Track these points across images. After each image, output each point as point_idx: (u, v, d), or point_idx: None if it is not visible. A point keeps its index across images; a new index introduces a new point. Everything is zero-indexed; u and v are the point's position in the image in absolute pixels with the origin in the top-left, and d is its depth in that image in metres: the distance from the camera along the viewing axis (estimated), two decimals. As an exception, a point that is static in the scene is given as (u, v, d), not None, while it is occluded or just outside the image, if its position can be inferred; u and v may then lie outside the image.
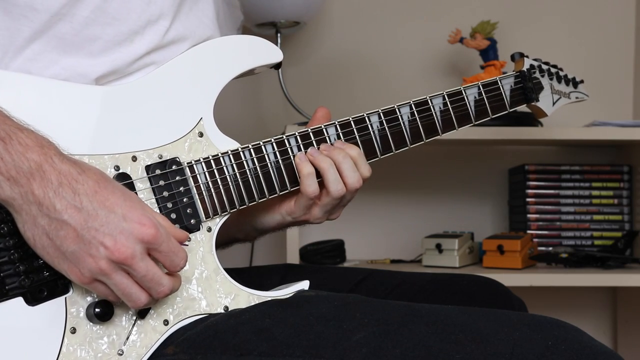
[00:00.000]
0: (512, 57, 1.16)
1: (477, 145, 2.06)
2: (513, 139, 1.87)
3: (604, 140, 1.85)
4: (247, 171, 0.91)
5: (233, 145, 0.91)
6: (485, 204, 2.11)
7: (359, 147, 0.97)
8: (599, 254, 1.77)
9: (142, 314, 0.81)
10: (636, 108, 2.10)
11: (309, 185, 0.93)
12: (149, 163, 0.85)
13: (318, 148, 0.95)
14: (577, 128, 1.84)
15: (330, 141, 0.96)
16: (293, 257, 1.73)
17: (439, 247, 1.79)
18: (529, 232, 1.91)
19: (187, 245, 0.84)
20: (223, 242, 1.08)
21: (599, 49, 2.11)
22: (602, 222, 1.93)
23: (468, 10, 2.06)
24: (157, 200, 0.85)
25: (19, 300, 0.75)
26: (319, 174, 0.94)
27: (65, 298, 0.77)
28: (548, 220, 1.93)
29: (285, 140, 0.94)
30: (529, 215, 1.93)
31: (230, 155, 0.90)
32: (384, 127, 0.99)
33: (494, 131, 1.76)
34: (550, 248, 1.89)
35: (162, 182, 0.85)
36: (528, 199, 1.93)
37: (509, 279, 1.59)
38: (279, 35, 1.87)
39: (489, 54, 1.85)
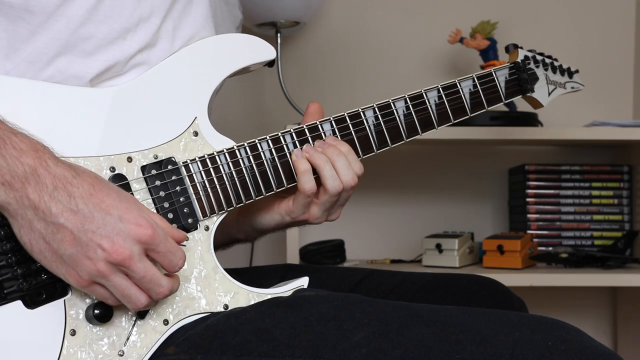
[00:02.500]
0: (507, 49, 1.16)
1: (477, 145, 2.06)
2: (513, 139, 1.87)
3: (604, 140, 1.85)
4: (243, 169, 0.91)
5: (228, 143, 0.91)
6: (485, 204, 2.11)
7: (354, 142, 0.97)
8: (599, 254, 1.77)
9: (141, 314, 0.81)
10: (636, 108, 2.10)
11: (306, 182, 0.93)
12: (144, 163, 0.85)
13: (313, 144, 0.95)
14: (577, 128, 1.83)
15: (325, 137, 0.96)
16: (293, 257, 1.73)
17: (439, 247, 1.79)
18: (529, 232, 1.91)
19: (185, 245, 0.84)
20: (223, 242, 1.08)
21: (599, 49, 2.11)
22: (602, 222, 1.93)
23: (468, 10, 2.05)
24: (153, 200, 0.84)
25: (18, 303, 0.75)
26: (315, 171, 0.94)
27: (64, 300, 0.77)
28: (548, 220, 1.93)
29: (281, 138, 0.93)
30: (529, 215, 1.93)
31: (226, 154, 0.90)
32: (380, 122, 0.98)
33: (494, 131, 1.76)
34: (550, 248, 1.89)
35: (158, 182, 0.85)
36: (528, 199, 1.93)
37: (509, 279, 1.58)
38: (279, 35, 1.86)
39: (489, 54, 1.85)
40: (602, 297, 2.12)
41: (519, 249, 1.74)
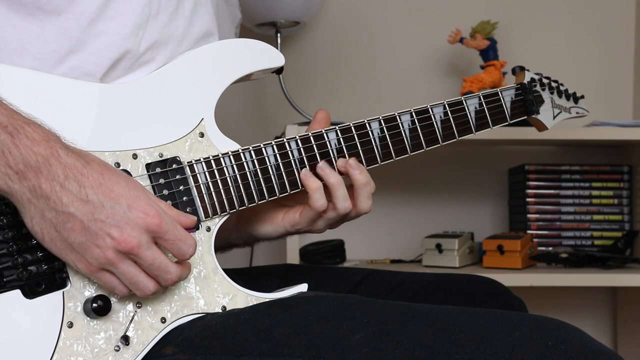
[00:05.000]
0: (513, 71, 1.16)
1: (477, 145, 2.06)
2: (513, 139, 1.87)
3: (604, 140, 1.85)
4: (247, 173, 0.91)
5: (233, 146, 0.91)
6: (485, 204, 2.11)
7: (359, 153, 0.96)
8: (599, 254, 1.77)
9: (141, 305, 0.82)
10: (636, 108, 2.10)
11: (318, 199, 0.93)
12: (149, 161, 0.85)
13: (335, 162, 0.94)
14: (577, 128, 1.83)
15: (330, 146, 0.95)
16: (293, 257, 1.73)
17: (439, 247, 1.79)
18: (529, 232, 1.91)
19: (196, 230, 0.85)
20: (221, 247, 1.08)
21: (599, 49, 2.11)
22: (602, 222, 1.93)
23: (468, 10, 2.05)
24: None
25: (17, 292, 0.76)
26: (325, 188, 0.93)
27: (63, 292, 0.78)
28: (548, 220, 1.93)
29: (286, 144, 0.93)
30: (529, 215, 1.93)
31: (231, 156, 0.90)
32: (385, 134, 0.98)
33: (494, 131, 1.75)
34: (550, 248, 1.89)
35: (162, 180, 0.85)
36: (528, 199, 1.93)
37: (509, 279, 1.58)
38: (279, 35, 1.86)
39: (489, 54, 1.86)
40: (602, 297, 2.12)
41: (519, 249, 1.74)
